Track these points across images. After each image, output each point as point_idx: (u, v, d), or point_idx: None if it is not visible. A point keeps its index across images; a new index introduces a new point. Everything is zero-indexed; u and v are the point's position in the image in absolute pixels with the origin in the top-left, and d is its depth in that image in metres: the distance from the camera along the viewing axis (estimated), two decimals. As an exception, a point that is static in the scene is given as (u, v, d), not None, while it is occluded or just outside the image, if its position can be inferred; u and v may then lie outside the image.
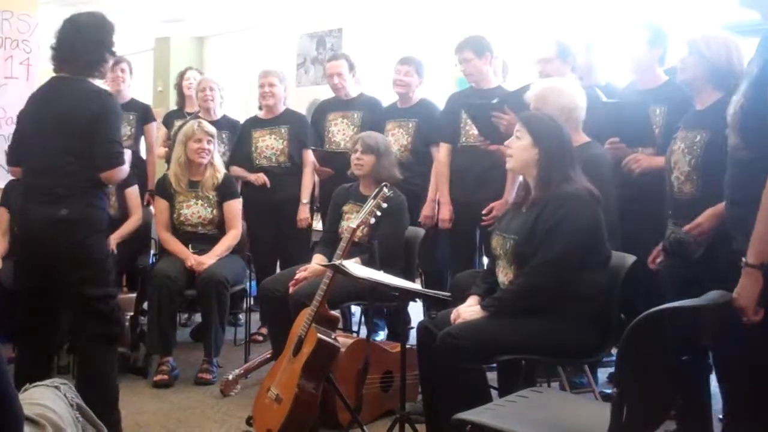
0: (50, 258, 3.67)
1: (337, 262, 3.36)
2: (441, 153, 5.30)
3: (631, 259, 3.42)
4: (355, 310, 5.80)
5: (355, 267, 3.41)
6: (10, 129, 5.42)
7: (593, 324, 3.27)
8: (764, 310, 2.61)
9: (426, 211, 5.32)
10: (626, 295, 3.41)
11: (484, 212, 4.90)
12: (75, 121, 3.64)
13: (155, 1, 10.19)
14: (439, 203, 5.29)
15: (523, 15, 8.14)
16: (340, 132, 5.74)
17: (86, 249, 3.67)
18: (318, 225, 5.80)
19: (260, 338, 5.74)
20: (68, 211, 3.61)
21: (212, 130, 5.24)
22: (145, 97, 12.89)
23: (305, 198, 5.72)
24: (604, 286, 3.32)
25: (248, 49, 11.89)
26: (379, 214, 3.75)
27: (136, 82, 13.60)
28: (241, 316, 6.08)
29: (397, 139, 5.46)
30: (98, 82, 3.92)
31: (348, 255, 4.03)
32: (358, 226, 3.80)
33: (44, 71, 4.17)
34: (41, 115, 3.76)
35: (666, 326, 2.30)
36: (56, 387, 2.37)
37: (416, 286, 3.47)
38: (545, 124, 3.49)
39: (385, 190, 3.75)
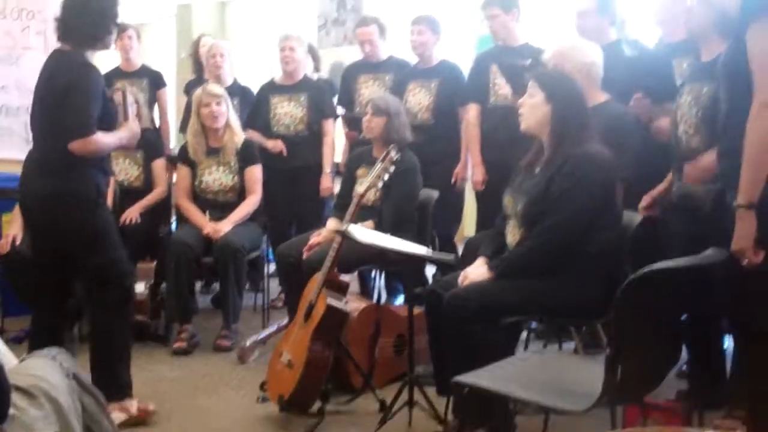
0: (46, 230, 3.70)
1: (342, 228, 3.35)
2: (471, 114, 5.19)
3: (638, 217, 3.38)
4: (375, 273, 5.81)
5: (360, 232, 3.40)
6: (29, 100, 5.50)
7: (601, 283, 3.22)
8: (765, 252, 2.61)
9: (460, 171, 5.26)
10: (634, 252, 3.37)
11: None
12: (52, 92, 3.61)
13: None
14: (471, 166, 5.22)
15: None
16: (372, 94, 5.56)
17: (78, 222, 3.64)
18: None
19: (280, 304, 5.75)
20: (53, 185, 3.60)
21: (219, 90, 5.17)
22: (169, 64, 13.01)
23: (328, 167, 5.69)
24: (614, 245, 3.29)
25: (270, 12, 11.83)
26: (386, 177, 3.72)
27: (158, 49, 13.66)
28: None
29: (419, 99, 5.39)
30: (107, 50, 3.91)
31: (358, 219, 4.04)
32: (366, 191, 3.79)
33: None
34: (36, 90, 3.76)
35: (661, 285, 2.27)
36: (53, 357, 2.39)
37: (422, 249, 3.46)
38: (557, 80, 3.44)
39: (393, 153, 3.72)
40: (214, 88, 5.20)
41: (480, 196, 5.22)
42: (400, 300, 5.59)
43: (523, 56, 4.67)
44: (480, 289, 3.25)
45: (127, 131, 3.89)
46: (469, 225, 6.23)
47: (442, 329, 3.36)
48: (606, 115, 3.64)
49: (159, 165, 5.53)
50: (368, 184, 3.73)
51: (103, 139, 3.66)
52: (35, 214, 3.74)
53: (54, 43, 5.74)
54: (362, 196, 3.78)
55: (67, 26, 3.71)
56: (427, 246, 4.84)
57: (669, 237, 3.58)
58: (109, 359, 3.76)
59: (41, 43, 5.75)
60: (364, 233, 3.42)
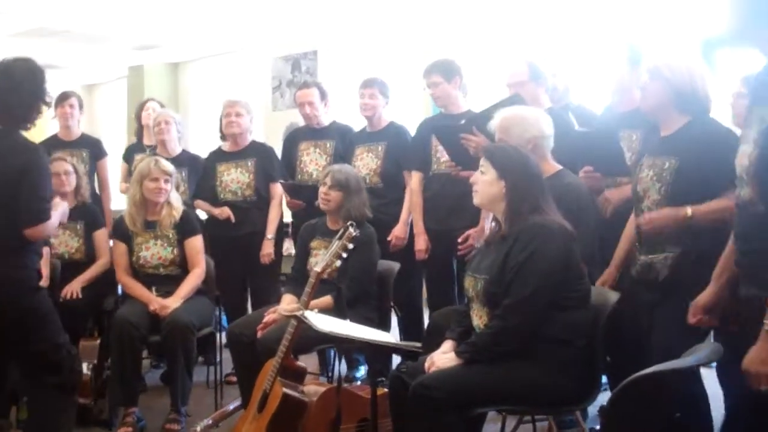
0: None
1: (298, 313, 3.13)
2: (413, 181, 5.10)
3: (614, 296, 3.21)
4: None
5: (317, 319, 3.17)
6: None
7: (576, 369, 3.05)
8: None
9: (398, 232, 5.11)
10: (611, 334, 3.18)
11: (459, 240, 4.69)
12: (3, 175, 3.47)
13: (127, 28, 10.00)
14: (413, 233, 5.08)
15: (497, 35, 7.99)
16: (313, 162, 5.52)
17: (18, 309, 3.51)
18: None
19: (234, 380, 5.47)
20: None
21: (170, 168, 4.99)
22: (119, 126, 12.79)
23: (270, 233, 5.52)
24: (585, 327, 3.11)
25: (223, 73, 11.70)
26: (344, 256, 3.52)
27: (109, 110, 13.48)
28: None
29: (366, 163, 5.27)
30: (48, 119, 3.76)
31: (316, 295, 3.84)
32: (324, 269, 3.57)
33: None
34: None
35: (652, 389, 2.06)
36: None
37: (385, 336, 3.23)
38: (509, 156, 3.31)
39: (351, 230, 3.53)
40: (166, 165, 4.99)
41: (425, 265, 5.10)
42: (361, 372, 5.38)
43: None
44: (448, 378, 3.05)
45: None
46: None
47: (407, 417, 3.15)
48: (560, 187, 3.52)
49: (101, 235, 5.30)
50: (326, 262, 3.53)
51: (53, 224, 3.62)
52: None
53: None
54: (320, 274, 3.56)
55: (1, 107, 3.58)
56: (389, 319, 4.69)
57: (634, 310, 3.40)
58: None
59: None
60: (322, 320, 3.18)
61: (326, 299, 4.03)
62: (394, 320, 5.40)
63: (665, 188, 3.26)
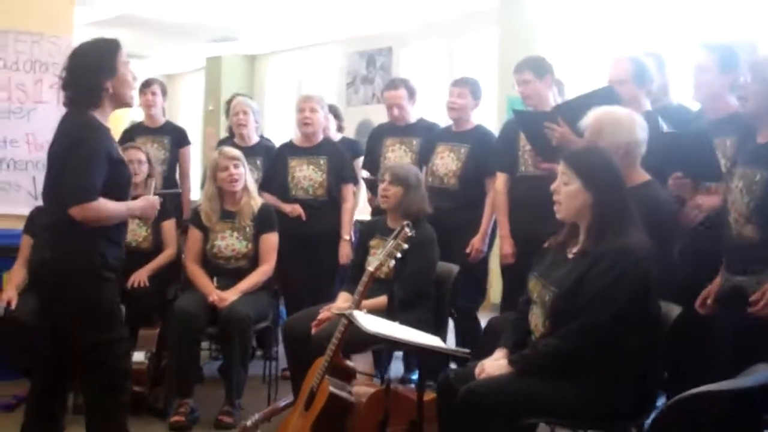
0: (45, 299, 3.52)
1: (347, 312, 3.08)
2: (498, 183, 4.92)
3: (676, 310, 3.06)
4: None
5: (365, 319, 3.11)
6: (39, 155, 5.34)
7: (632, 383, 2.93)
8: None
9: (477, 243, 4.99)
10: (670, 349, 3.06)
11: (467, 251, 4.70)
12: (56, 155, 3.42)
13: (206, 20, 10.10)
14: (499, 238, 4.93)
15: (586, 31, 7.79)
16: (398, 159, 5.41)
17: (74, 295, 3.38)
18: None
19: (289, 375, 5.46)
20: (51, 254, 3.39)
21: (235, 153, 4.98)
22: (196, 117, 12.96)
23: (347, 234, 5.45)
24: (648, 343, 2.97)
25: (299, 67, 11.74)
26: (399, 256, 3.45)
27: (187, 101, 13.68)
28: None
29: (445, 163, 5.17)
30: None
31: (372, 295, 3.84)
32: (377, 268, 3.52)
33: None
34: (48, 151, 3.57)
35: (701, 411, 1.96)
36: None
37: (433, 340, 3.16)
38: (595, 164, 3.11)
39: (407, 229, 3.47)
40: (231, 150, 5.01)
41: (505, 270, 4.91)
42: (417, 374, 5.26)
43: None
44: (497, 385, 2.97)
45: (143, 201, 3.71)
46: (495, 295, 5.97)
47: (455, 423, 3.07)
48: (646, 201, 3.28)
49: (168, 226, 5.31)
50: (379, 261, 3.48)
51: (107, 206, 3.38)
52: (38, 280, 3.54)
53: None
54: (373, 274, 3.51)
55: (65, 87, 3.53)
56: (446, 322, 4.61)
57: (717, 331, 3.26)
58: None
59: (54, 96, 5.56)
60: (369, 321, 3.12)
61: (380, 300, 3.97)
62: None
63: (754, 203, 3.09)
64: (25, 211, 5.30)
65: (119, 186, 3.50)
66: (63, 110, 3.59)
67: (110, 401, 3.53)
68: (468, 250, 4.96)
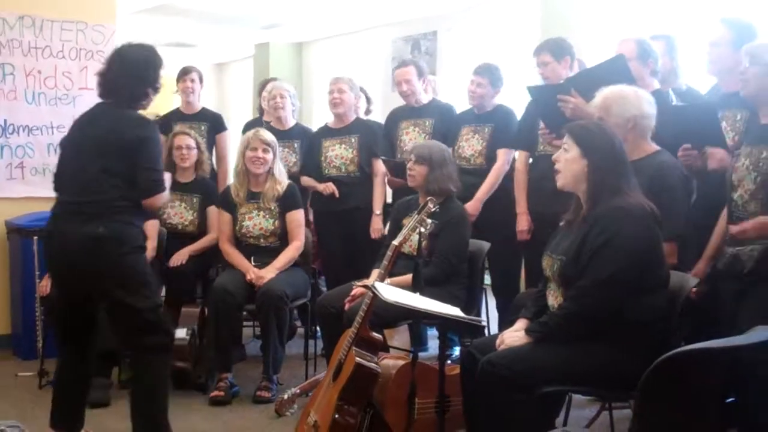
0: (90, 276, 3.64)
1: (370, 284, 3.16)
2: (518, 161, 5.05)
3: (693, 280, 3.11)
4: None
5: (386, 290, 3.19)
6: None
7: (648, 351, 2.94)
8: None
9: (471, 209, 4.99)
10: (690, 320, 3.09)
11: None
12: (113, 142, 3.64)
13: (253, 8, 10.20)
14: (517, 214, 4.99)
15: (627, 15, 7.76)
16: (412, 141, 5.49)
17: (124, 266, 3.64)
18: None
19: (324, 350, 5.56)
20: (104, 228, 3.58)
21: (270, 138, 5.07)
22: (246, 104, 13.08)
23: (378, 209, 5.55)
24: (663, 311, 3.02)
25: (346, 53, 11.81)
26: (422, 230, 3.52)
27: (237, 88, 13.78)
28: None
29: (471, 144, 5.27)
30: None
31: (399, 270, 3.98)
32: (401, 243, 3.60)
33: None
34: (80, 138, 3.78)
35: (695, 367, 2.00)
36: (2, 430, 2.25)
37: (453, 310, 3.22)
38: (593, 134, 3.22)
39: (430, 204, 3.54)
40: (265, 134, 5.09)
41: (525, 247, 5.00)
42: (456, 352, 5.33)
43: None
44: (515, 356, 3.03)
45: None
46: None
47: (477, 394, 3.14)
48: (653, 166, 3.44)
49: (213, 211, 5.41)
50: (404, 236, 3.55)
51: (166, 195, 3.88)
52: (74, 257, 3.64)
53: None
54: (397, 248, 3.58)
55: (106, 85, 3.77)
56: (479, 299, 4.67)
57: (720, 304, 3.31)
58: (150, 409, 3.73)
59: (99, 84, 5.72)
60: (390, 291, 3.20)
61: (406, 277, 4.04)
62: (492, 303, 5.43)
63: (761, 178, 3.16)
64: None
65: None
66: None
67: (162, 365, 3.77)
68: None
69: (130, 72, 3.72)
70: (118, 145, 3.63)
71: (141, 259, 3.74)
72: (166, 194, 3.86)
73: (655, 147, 3.64)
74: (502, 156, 5.16)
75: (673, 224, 3.32)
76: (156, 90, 3.81)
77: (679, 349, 1.98)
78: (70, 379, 3.85)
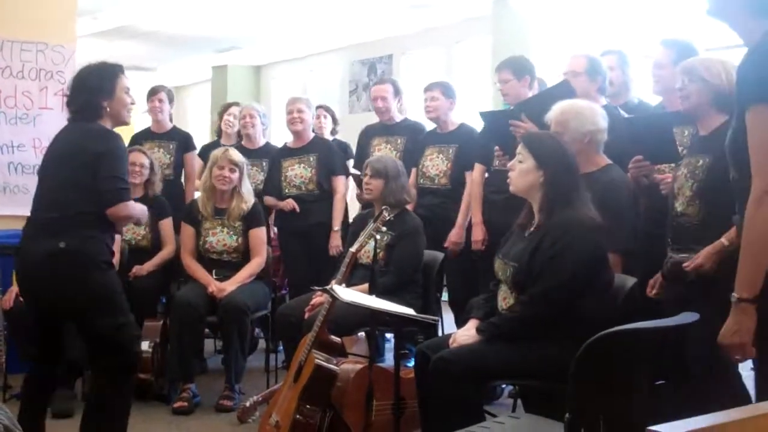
0: (53, 292, 3.63)
1: (327, 287, 3.30)
2: (475, 174, 5.12)
3: (631, 281, 3.29)
4: (389, 336, 5.72)
5: (343, 291, 3.34)
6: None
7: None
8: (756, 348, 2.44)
9: (454, 237, 5.16)
10: (628, 316, 3.26)
11: (446, 245, 4.92)
12: (77, 156, 3.65)
13: (210, 31, 10.34)
14: (471, 225, 5.13)
15: (578, 37, 8.00)
16: None
17: (87, 282, 3.61)
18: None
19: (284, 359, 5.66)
20: (66, 243, 3.56)
21: (238, 158, 5.19)
22: (204, 126, 13.19)
23: (336, 225, 5.66)
24: (607, 310, 3.19)
25: (302, 76, 11.99)
26: (378, 237, 3.68)
27: (194, 111, 13.82)
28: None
29: (435, 164, 5.37)
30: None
31: (356, 279, 4.06)
32: (358, 250, 3.75)
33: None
34: (50, 158, 3.81)
35: (623, 348, 2.17)
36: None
37: (405, 310, 3.38)
38: (548, 146, 3.38)
39: (385, 213, 3.69)
40: (234, 155, 5.20)
41: (479, 258, 5.08)
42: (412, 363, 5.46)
43: None
44: (466, 353, 3.19)
45: (140, 206, 3.97)
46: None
47: (429, 389, 3.29)
48: (604, 182, 3.60)
49: (166, 225, 5.51)
50: (359, 243, 3.69)
51: (133, 206, 3.78)
52: (40, 273, 3.65)
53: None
54: (354, 254, 3.73)
55: (68, 102, 3.83)
56: (434, 308, 4.82)
57: (664, 303, 3.45)
58: (108, 428, 3.71)
59: (58, 103, 5.77)
60: (347, 293, 3.35)
61: (363, 286, 4.17)
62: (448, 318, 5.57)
63: (697, 185, 3.32)
64: (32, 212, 5.52)
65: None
66: (66, 116, 3.89)
67: (125, 383, 3.74)
68: (446, 245, 5.14)
69: (83, 85, 3.76)
70: (81, 159, 3.64)
71: (108, 277, 3.68)
72: (134, 206, 3.79)
73: (606, 160, 3.80)
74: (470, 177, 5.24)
75: (618, 237, 3.47)
76: (113, 99, 3.76)
77: (608, 330, 2.13)
78: (35, 392, 3.82)
